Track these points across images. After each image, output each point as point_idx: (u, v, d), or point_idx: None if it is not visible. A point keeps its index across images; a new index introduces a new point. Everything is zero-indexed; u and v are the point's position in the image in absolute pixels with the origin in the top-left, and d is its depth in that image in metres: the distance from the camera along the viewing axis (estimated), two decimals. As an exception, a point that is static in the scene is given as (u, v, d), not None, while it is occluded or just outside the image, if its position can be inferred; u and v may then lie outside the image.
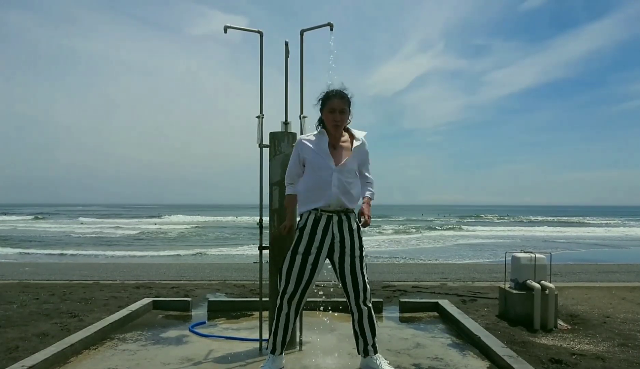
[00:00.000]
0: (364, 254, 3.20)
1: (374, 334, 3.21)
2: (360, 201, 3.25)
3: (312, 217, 3.13)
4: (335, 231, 3.12)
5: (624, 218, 55.78)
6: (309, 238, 3.12)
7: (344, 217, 3.14)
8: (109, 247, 20.35)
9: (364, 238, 3.23)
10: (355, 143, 3.18)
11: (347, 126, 3.25)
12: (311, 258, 3.11)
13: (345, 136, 3.22)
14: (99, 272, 9.59)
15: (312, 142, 3.19)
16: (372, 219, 3.23)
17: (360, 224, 3.21)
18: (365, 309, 3.17)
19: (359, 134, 3.25)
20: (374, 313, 3.25)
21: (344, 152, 3.15)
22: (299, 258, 3.12)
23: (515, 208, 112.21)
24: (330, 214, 3.11)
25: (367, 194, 3.27)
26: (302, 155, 3.20)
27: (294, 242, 3.17)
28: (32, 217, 48.09)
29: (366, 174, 3.30)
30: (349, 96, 3.16)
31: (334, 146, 3.16)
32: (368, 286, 3.19)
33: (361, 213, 3.19)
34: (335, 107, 3.08)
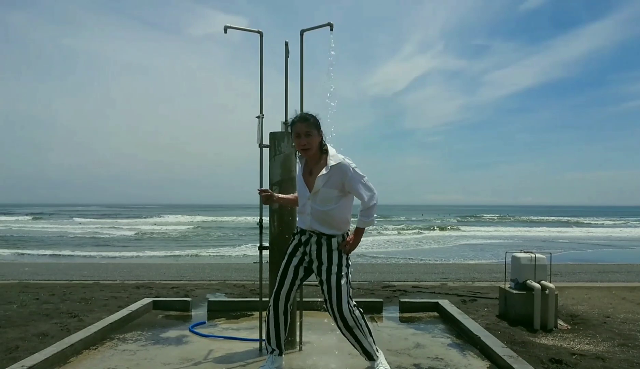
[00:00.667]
0: (342, 272, 3.11)
1: (359, 344, 3.18)
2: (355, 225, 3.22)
3: (299, 230, 3.25)
4: (314, 247, 3.15)
5: (624, 218, 55.74)
6: (297, 241, 3.24)
7: (323, 239, 3.13)
8: (109, 247, 20.34)
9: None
10: (324, 171, 3.06)
11: (327, 148, 3.14)
12: (295, 260, 3.23)
13: (323, 161, 3.12)
14: (99, 272, 9.59)
15: (300, 166, 3.29)
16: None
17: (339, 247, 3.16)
18: (339, 322, 3.12)
19: (335, 158, 3.09)
20: (362, 327, 3.17)
21: (319, 179, 3.07)
22: (286, 257, 3.27)
23: (515, 208, 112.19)
24: (311, 233, 3.16)
25: (358, 224, 3.18)
26: None
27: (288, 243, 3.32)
28: (31, 217, 48.06)
29: (362, 195, 3.08)
30: (315, 118, 3.11)
31: (311, 172, 3.15)
32: (344, 304, 3.07)
33: (346, 239, 3.18)
34: (299, 132, 3.06)
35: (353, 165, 3.08)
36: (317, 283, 3.21)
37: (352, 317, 3.12)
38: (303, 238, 3.20)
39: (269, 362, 3.26)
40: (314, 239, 3.15)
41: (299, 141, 3.09)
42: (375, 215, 3.17)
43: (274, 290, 3.26)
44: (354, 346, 3.23)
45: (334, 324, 3.17)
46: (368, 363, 3.28)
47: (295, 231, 3.31)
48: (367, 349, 3.20)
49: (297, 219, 3.32)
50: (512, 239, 25.42)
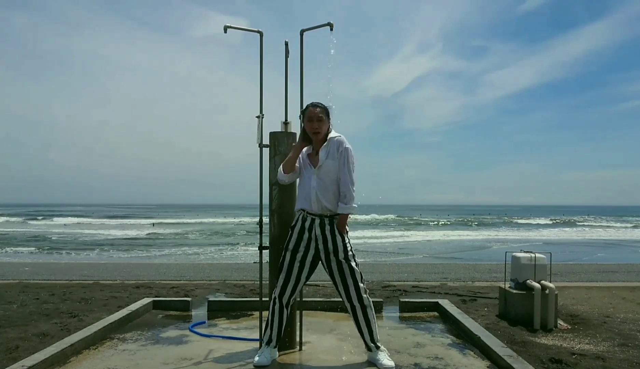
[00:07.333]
0: (349, 255, 3.31)
1: (370, 331, 3.35)
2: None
3: (301, 217, 3.37)
4: (318, 232, 3.31)
5: (624, 218, 55.75)
6: (297, 236, 3.36)
7: (326, 221, 3.31)
8: (108, 247, 20.34)
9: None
10: (325, 143, 3.35)
11: (331, 134, 3.39)
12: (299, 256, 3.34)
13: (326, 142, 3.39)
14: (99, 272, 9.59)
15: (305, 149, 3.48)
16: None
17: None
18: (357, 306, 3.33)
19: (334, 134, 3.38)
20: (373, 311, 3.38)
21: (321, 151, 3.36)
22: (288, 255, 3.37)
23: (515, 208, 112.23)
24: (314, 217, 3.32)
25: (339, 209, 3.30)
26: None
27: (286, 240, 3.41)
28: (29, 217, 48.03)
29: (345, 174, 3.28)
30: (327, 107, 3.37)
31: (317, 152, 3.39)
32: (360, 284, 3.31)
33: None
34: (312, 116, 3.31)
35: (349, 146, 3.31)
36: (326, 272, 3.37)
37: (367, 296, 3.34)
38: (307, 224, 3.31)
39: (266, 353, 3.37)
40: (317, 221, 3.29)
41: (311, 125, 3.31)
42: (354, 205, 3.29)
43: (279, 283, 3.39)
44: (362, 331, 3.34)
45: (347, 309, 3.38)
46: (368, 354, 3.40)
47: (292, 224, 3.42)
48: (373, 335, 3.34)
49: (299, 198, 3.42)
50: (512, 238, 25.43)
